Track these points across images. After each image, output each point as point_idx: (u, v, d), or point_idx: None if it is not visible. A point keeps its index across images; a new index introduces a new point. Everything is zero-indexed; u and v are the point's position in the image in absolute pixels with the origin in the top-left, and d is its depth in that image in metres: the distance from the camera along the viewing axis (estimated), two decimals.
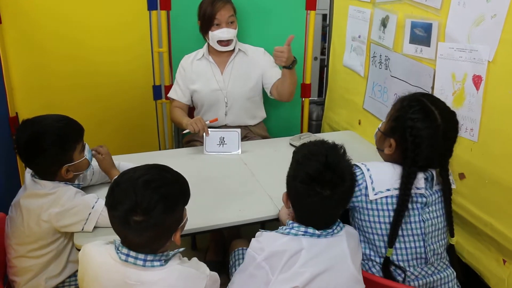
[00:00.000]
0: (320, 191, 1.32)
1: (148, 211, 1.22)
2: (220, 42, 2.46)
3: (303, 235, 1.38)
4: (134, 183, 1.24)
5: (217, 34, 2.43)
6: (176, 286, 1.27)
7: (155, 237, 1.27)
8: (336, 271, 1.37)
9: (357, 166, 1.56)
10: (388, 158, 1.60)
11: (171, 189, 1.28)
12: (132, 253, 1.26)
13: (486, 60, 1.65)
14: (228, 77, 2.55)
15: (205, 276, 1.32)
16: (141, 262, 1.26)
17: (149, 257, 1.27)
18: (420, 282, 1.54)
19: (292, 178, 1.40)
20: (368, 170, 1.54)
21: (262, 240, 1.41)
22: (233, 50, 2.55)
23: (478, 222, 1.77)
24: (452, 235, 1.61)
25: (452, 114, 1.54)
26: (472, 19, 1.69)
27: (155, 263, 1.27)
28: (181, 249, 1.34)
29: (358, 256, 1.46)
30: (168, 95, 2.64)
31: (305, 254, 1.34)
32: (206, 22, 2.44)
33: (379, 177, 1.53)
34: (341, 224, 1.44)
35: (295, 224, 1.40)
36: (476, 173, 1.77)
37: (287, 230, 1.40)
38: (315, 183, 1.33)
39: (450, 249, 1.63)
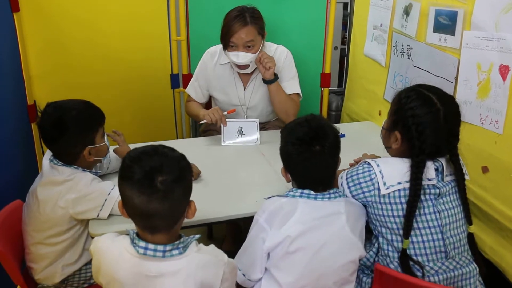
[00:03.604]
0: (308, 147, 1.47)
1: (173, 168, 1.23)
2: (234, 64, 2.30)
3: (300, 196, 1.50)
4: (149, 151, 1.26)
5: (231, 56, 2.26)
6: (195, 274, 1.26)
7: (177, 201, 1.26)
8: (328, 228, 1.47)
9: (367, 163, 1.58)
10: (397, 153, 1.60)
11: (181, 153, 1.32)
12: (151, 246, 1.24)
13: None
14: (250, 93, 2.44)
15: (223, 264, 1.31)
16: (160, 254, 1.25)
17: (168, 247, 1.25)
18: (441, 277, 1.50)
19: (284, 146, 1.55)
20: (378, 165, 1.55)
21: (265, 203, 1.54)
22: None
23: (501, 218, 1.73)
24: (470, 223, 1.58)
25: (451, 98, 1.56)
26: (501, 6, 1.63)
27: (174, 252, 1.26)
28: (197, 236, 1.34)
29: (358, 222, 1.54)
30: (186, 90, 2.58)
31: (299, 211, 1.47)
32: (224, 39, 2.26)
33: (389, 171, 1.53)
34: (340, 193, 1.54)
35: (295, 188, 1.54)
36: (500, 166, 1.72)
37: (286, 193, 1.53)
38: (304, 142, 1.48)
39: (470, 239, 1.59)
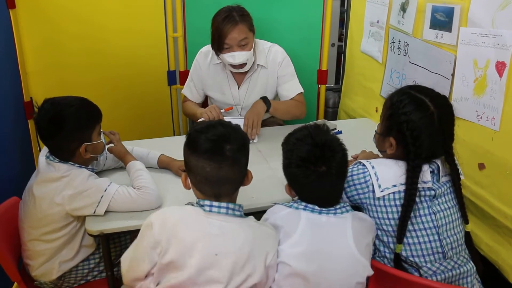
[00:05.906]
0: (314, 169, 1.38)
1: (238, 137, 1.38)
2: (231, 65, 2.28)
3: (303, 209, 1.44)
4: (213, 124, 1.40)
5: (226, 58, 2.24)
6: (253, 240, 1.36)
7: (242, 167, 1.41)
8: (333, 249, 1.40)
9: (362, 164, 1.55)
10: (392, 157, 1.57)
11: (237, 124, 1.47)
12: (215, 203, 1.36)
13: (511, 46, 1.59)
14: (244, 92, 2.43)
15: (277, 238, 1.42)
16: (224, 210, 1.36)
17: (231, 205, 1.37)
18: (439, 277, 1.49)
19: (288, 166, 1.46)
20: (373, 167, 1.53)
21: (269, 211, 1.51)
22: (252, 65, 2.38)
23: (497, 214, 1.73)
24: (466, 222, 1.57)
25: (444, 98, 1.54)
26: (497, 2, 1.63)
27: (236, 212, 1.38)
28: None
29: (364, 240, 1.46)
30: (182, 91, 2.57)
31: (301, 228, 1.40)
32: (217, 42, 2.24)
33: (384, 174, 1.51)
34: (348, 207, 1.46)
35: (299, 200, 1.48)
36: (496, 163, 1.72)
37: (291, 203, 1.47)
38: (308, 163, 1.39)
39: (467, 238, 1.59)
